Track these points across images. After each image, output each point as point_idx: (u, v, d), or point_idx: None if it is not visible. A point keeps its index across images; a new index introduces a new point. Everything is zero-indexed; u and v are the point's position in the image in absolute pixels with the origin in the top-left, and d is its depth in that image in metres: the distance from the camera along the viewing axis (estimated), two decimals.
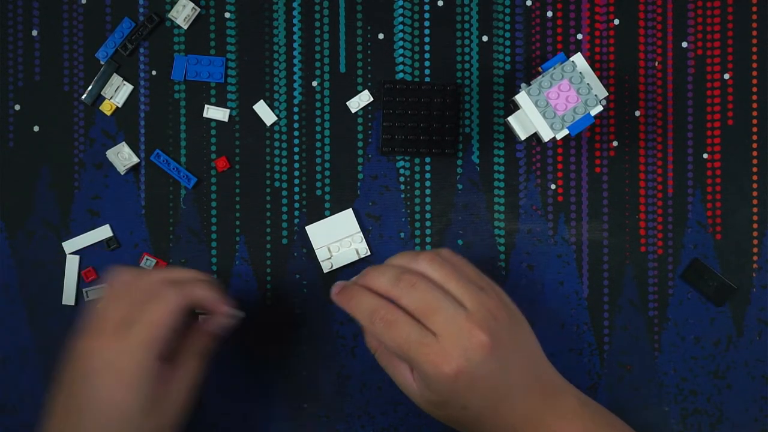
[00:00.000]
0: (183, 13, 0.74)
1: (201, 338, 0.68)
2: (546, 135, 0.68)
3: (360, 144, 0.75)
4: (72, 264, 0.75)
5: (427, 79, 0.75)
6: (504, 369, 0.64)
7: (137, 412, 0.63)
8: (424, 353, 0.62)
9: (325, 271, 0.74)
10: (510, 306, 0.67)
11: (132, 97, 0.75)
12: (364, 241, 0.75)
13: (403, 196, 0.75)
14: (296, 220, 0.75)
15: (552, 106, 0.67)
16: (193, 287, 0.66)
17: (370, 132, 0.75)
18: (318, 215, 0.75)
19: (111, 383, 0.63)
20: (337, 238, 0.74)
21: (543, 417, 0.65)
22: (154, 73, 0.75)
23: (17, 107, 0.75)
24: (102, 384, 0.63)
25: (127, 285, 0.66)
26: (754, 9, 0.75)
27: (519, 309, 0.67)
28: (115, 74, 0.75)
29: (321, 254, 0.74)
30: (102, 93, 0.74)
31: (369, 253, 0.75)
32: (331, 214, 0.75)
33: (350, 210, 0.75)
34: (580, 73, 0.67)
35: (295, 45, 0.75)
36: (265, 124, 0.75)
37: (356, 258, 0.75)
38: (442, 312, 0.63)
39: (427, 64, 0.75)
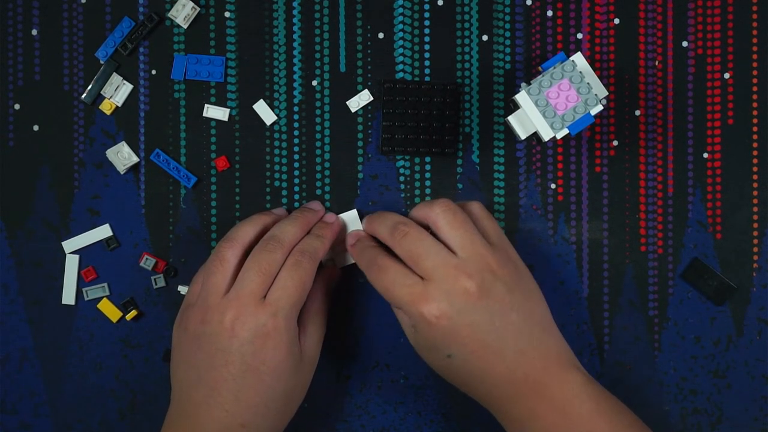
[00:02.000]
0: (183, 13, 0.74)
1: (318, 297, 0.71)
2: (546, 134, 0.68)
3: (360, 144, 0.75)
4: (72, 263, 0.75)
5: (427, 79, 0.75)
6: (493, 324, 0.65)
7: (292, 369, 0.67)
8: (407, 293, 0.66)
9: None
10: (520, 269, 0.68)
11: (132, 97, 0.75)
12: None
13: (403, 195, 0.75)
14: None
15: (552, 105, 0.67)
16: (315, 252, 0.69)
17: (370, 132, 0.75)
18: None
19: (271, 345, 0.66)
20: (341, 238, 0.74)
21: (544, 383, 0.65)
22: (153, 72, 0.75)
23: (17, 107, 0.75)
24: (264, 346, 0.66)
25: (259, 259, 0.68)
26: (754, 9, 0.75)
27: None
28: (114, 74, 0.74)
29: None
30: (102, 92, 0.74)
31: None
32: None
33: (355, 211, 0.74)
34: (580, 72, 0.67)
35: (295, 45, 0.75)
36: (265, 124, 0.75)
37: None
38: (430, 258, 0.66)
39: (427, 63, 0.75)
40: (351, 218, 0.74)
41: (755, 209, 0.75)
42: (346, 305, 0.75)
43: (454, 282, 0.65)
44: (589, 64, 0.70)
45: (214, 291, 0.67)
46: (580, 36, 0.75)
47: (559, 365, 0.66)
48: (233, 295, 0.67)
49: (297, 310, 0.68)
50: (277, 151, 0.75)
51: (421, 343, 0.67)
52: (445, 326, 0.65)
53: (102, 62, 0.75)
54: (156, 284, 0.75)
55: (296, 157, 0.75)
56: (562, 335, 0.68)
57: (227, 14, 0.75)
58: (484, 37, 0.75)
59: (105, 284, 0.75)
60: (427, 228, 0.69)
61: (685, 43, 0.75)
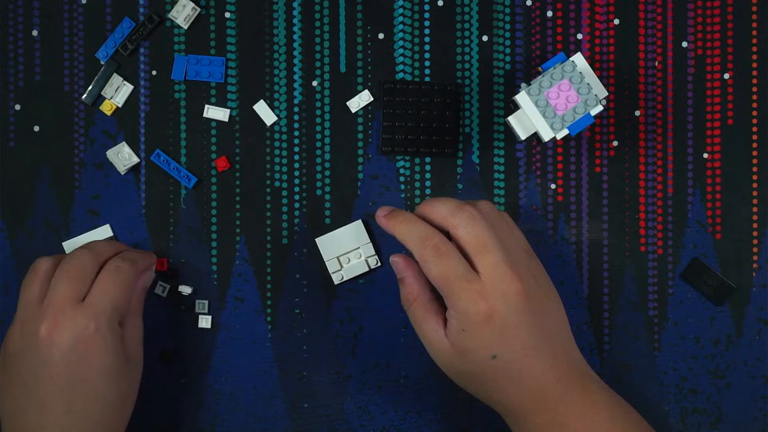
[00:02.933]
0: (183, 13, 0.74)
1: (135, 298, 0.70)
2: (546, 135, 0.68)
3: (360, 144, 0.75)
4: None
5: (427, 79, 0.75)
6: (536, 326, 0.65)
7: (120, 371, 0.66)
8: (466, 288, 0.64)
9: (336, 283, 0.74)
10: (547, 278, 0.68)
11: (132, 97, 0.75)
12: (374, 251, 0.74)
13: (403, 196, 0.75)
14: (296, 220, 0.75)
15: (552, 105, 0.67)
16: (134, 261, 0.69)
17: (370, 132, 0.75)
18: (318, 215, 0.75)
19: (95, 349, 0.64)
20: (347, 249, 0.74)
21: (570, 389, 0.65)
22: (154, 73, 0.75)
23: (17, 107, 0.75)
24: (88, 351, 0.64)
25: (67, 266, 0.67)
26: (754, 9, 0.75)
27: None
28: (115, 74, 0.75)
29: (331, 266, 0.74)
30: (102, 93, 0.75)
31: (379, 264, 0.75)
32: (331, 214, 0.75)
33: (360, 221, 0.74)
34: (580, 72, 0.67)
35: (295, 45, 0.75)
36: (265, 124, 0.75)
37: (366, 269, 0.74)
38: (493, 253, 0.64)
39: (427, 64, 0.75)
40: (356, 228, 0.74)
41: (755, 209, 0.75)
42: (346, 305, 0.75)
43: (510, 282, 0.64)
44: (589, 64, 0.70)
45: (29, 303, 0.66)
46: (580, 36, 0.75)
47: (581, 373, 0.67)
48: (47, 303, 0.65)
49: (119, 313, 0.66)
50: (277, 152, 0.75)
51: (463, 345, 0.65)
52: (498, 325, 0.64)
53: (102, 63, 0.75)
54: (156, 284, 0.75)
55: (296, 157, 0.75)
56: None
57: (227, 15, 0.75)
58: (484, 38, 0.75)
59: None
60: None
61: (684, 44, 0.75)
